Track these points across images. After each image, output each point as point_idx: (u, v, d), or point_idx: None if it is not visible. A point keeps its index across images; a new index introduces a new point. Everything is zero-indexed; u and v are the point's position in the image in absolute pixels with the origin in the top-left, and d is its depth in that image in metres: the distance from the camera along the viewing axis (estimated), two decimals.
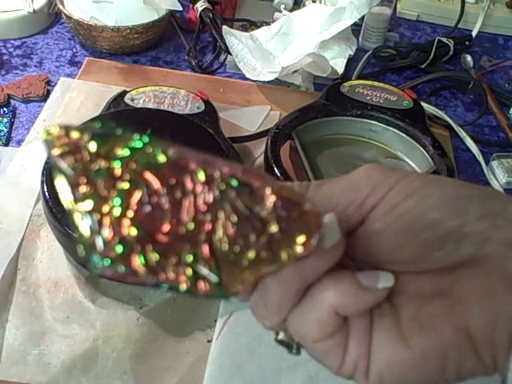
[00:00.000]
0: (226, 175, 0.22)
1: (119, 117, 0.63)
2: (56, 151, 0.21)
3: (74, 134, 0.21)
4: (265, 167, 0.61)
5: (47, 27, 0.85)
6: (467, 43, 0.91)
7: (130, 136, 0.22)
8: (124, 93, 0.66)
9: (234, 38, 0.77)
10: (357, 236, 0.26)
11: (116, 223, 0.21)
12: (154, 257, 0.21)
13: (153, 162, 0.21)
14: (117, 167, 0.21)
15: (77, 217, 0.21)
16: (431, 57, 0.85)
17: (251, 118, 0.73)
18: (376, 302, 0.25)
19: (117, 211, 0.21)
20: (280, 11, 0.92)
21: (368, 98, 0.68)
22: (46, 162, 0.55)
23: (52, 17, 0.86)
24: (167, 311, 0.52)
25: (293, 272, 0.23)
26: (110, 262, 0.20)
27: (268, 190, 0.22)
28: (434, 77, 0.83)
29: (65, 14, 0.79)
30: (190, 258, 0.21)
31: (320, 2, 0.87)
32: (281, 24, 0.81)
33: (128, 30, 0.78)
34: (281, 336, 0.27)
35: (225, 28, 0.77)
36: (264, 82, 0.77)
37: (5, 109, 0.70)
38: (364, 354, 0.25)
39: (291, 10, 0.90)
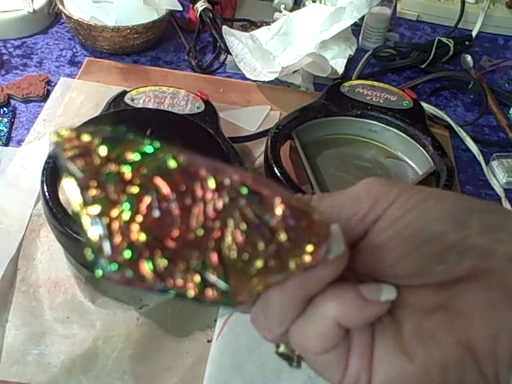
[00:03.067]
0: (236, 183, 0.22)
1: (119, 117, 0.63)
2: (66, 154, 0.21)
3: (85, 137, 0.21)
4: (265, 167, 0.61)
5: (47, 27, 0.85)
6: (467, 43, 0.91)
7: (140, 141, 0.21)
8: (124, 93, 0.66)
9: (234, 38, 0.77)
10: (359, 249, 0.26)
11: (125, 228, 0.20)
12: (163, 263, 0.21)
13: (163, 167, 0.21)
14: (127, 172, 0.21)
15: (85, 220, 0.21)
16: (431, 57, 0.85)
17: (251, 118, 0.73)
18: (378, 314, 0.25)
19: (126, 216, 0.21)
20: (280, 11, 0.92)
21: (368, 97, 0.68)
22: (46, 162, 0.55)
23: (52, 17, 0.86)
24: (167, 311, 0.52)
25: (296, 283, 0.23)
26: (117, 266, 0.20)
27: (278, 199, 0.22)
28: (434, 77, 0.83)
29: (65, 14, 0.79)
30: (198, 265, 0.21)
31: (320, 2, 0.87)
32: (281, 24, 0.81)
33: (128, 30, 0.78)
34: (281, 349, 0.27)
35: (225, 28, 0.77)
36: (264, 81, 0.77)
37: (5, 109, 0.70)
38: (365, 367, 0.25)
39: (291, 10, 0.90)
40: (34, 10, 0.81)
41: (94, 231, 0.20)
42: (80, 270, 0.54)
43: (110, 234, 0.20)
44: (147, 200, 0.21)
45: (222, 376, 0.48)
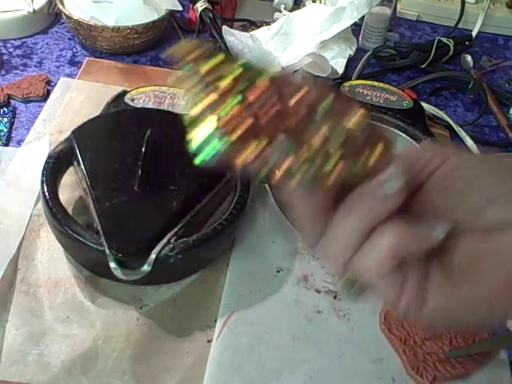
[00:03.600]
0: (321, 96, 0.27)
1: (119, 117, 0.63)
2: (182, 61, 0.26)
3: (198, 50, 0.27)
4: None
5: (47, 27, 0.85)
6: (467, 43, 0.91)
7: (238, 58, 0.27)
8: (124, 93, 0.66)
9: (234, 38, 0.77)
10: (416, 198, 0.29)
11: (225, 122, 0.25)
12: (257, 150, 0.25)
13: (258, 78, 0.27)
14: (229, 80, 0.26)
15: (194, 116, 0.26)
16: (431, 57, 0.85)
17: None
18: (429, 246, 0.28)
19: (227, 112, 0.26)
20: (280, 11, 0.92)
21: (368, 97, 0.68)
22: (46, 162, 0.55)
23: (52, 17, 0.86)
24: (167, 311, 0.52)
25: (361, 211, 0.27)
26: (216, 153, 0.25)
27: (353, 111, 0.27)
28: (434, 77, 0.83)
29: (65, 14, 0.79)
30: (287, 156, 0.26)
31: (320, 2, 0.87)
32: (281, 24, 0.81)
33: (128, 30, 0.78)
34: (344, 280, 0.30)
35: (225, 28, 0.77)
36: None
37: (5, 109, 0.70)
38: (418, 295, 0.28)
39: (291, 10, 0.90)
40: (34, 9, 0.81)
41: (200, 124, 0.25)
42: (80, 270, 0.54)
43: (212, 127, 0.25)
44: (244, 103, 0.26)
45: (222, 376, 0.48)
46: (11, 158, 0.63)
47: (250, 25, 0.89)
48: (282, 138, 0.26)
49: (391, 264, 0.27)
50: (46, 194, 0.52)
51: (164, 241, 0.49)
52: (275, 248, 0.58)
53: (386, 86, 0.70)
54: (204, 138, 0.25)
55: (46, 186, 0.53)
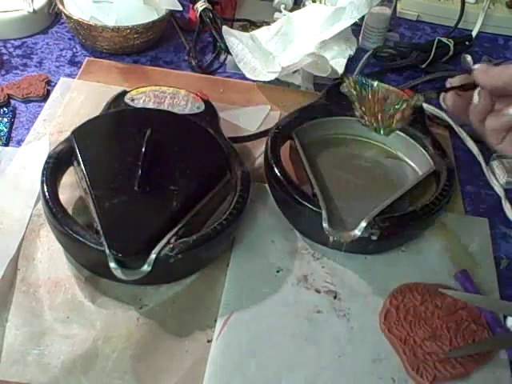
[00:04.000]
0: (389, 92, 0.57)
1: (119, 117, 0.63)
2: (346, 89, 0.58)
3: (353, 81, 0.57)
4: (265, 167, 0.61)
5: (47, 27, 0.85)
6: (467, 43, 0.91)
7: (369, 80, 0.57)
8: (124, 93, 0.66)
9: (234, 38, 0.77)
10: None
11: (369, 110, 0.56)
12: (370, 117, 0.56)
13: (377, 92, 0.57)
14: (367, 93, 0.57)
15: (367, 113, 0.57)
16: (431, 57, 0.85)
17: (251, 118, 0.73)
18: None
19: (371, 109, 0.56)
20: (280, 11, 0.92)
21: None
22: (46, 162, 0.55)
23: (52, 17, 0.86)
24: (167, 311, 0.52)
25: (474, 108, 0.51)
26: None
27: (395, 94, 0.56)
28: (434, 77, 0.83)
29: (65, 14, 0.79)
30: (376, 116, 0.56)
31: (320, 2, 0.87)
32: (281, 24, 0.81)
33: (128, 30, 0.78)
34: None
35: (225, 28, 0.77)
36: (264, 81, 0.77)
37: (5, 109, 0.70)
38: None
39: (291, 10, 0.90)
40: (34, 9, 0.81)
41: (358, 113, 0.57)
42: (80, 270, 0.54)
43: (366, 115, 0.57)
44: (376, 99, 0.56)
45: (222, 376, 0.48)
46: (11, 158, 0.63)
47: (250, 25, 0.89)
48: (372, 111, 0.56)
49: (502, 129, 0.49)
50: (46, 194, 0.52)
51: (164, 241, 0.49)
52: (275, 248, 0.58)
53: (386, 86, 0.70)
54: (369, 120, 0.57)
55: (46, 186, 0.53)
